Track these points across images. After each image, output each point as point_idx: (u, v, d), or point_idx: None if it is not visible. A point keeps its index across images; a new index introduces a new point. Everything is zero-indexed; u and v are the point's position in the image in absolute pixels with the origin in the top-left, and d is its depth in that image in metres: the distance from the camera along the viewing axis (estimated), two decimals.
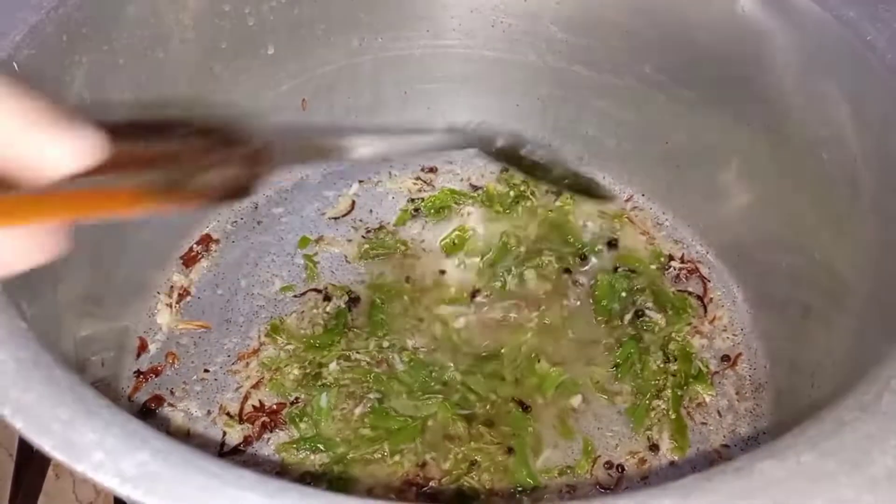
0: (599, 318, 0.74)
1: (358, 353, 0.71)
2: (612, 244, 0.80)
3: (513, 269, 0.77)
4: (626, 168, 0.85)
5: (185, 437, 0.66)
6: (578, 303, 0.75)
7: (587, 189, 0.63)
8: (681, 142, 0.79)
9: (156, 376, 0.69)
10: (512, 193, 0.84)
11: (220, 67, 0.74)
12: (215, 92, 0.75)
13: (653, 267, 0.78)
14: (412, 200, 0.84)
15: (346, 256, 0.79)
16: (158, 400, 0.67)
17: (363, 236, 0.81)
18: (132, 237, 0.72)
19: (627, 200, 0.84)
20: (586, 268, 0.78)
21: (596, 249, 0.79)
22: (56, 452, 0.32)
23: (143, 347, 0.71)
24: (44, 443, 0.32)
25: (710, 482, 0.34)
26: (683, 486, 0.34)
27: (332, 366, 0.70)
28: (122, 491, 0.31)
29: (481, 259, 0.79)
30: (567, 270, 0.77)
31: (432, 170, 0.87)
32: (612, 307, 0.74)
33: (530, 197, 0.84)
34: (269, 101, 0.79)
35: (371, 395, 0.68)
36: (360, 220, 0.82)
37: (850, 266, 0.60)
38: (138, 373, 0.69)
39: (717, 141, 0.75)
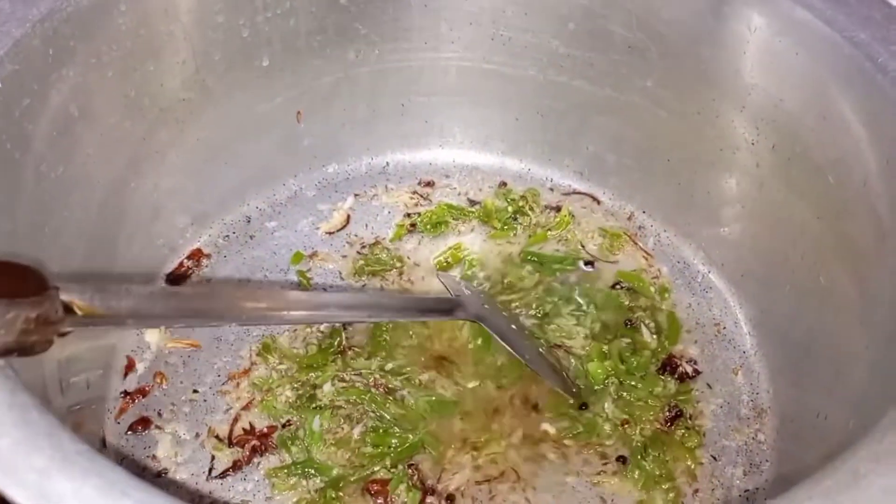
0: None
1: (356, 373, 0.69)
2: (588, 263, 0.78)
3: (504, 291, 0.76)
4: (626, 184, 0.83)
5: (174, 458, 0.64)
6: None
7: (551, 376, 0.68)
8: (683, 159, 0.77)
9: (143, 397, 0.67)
10: (510, 209, 0.82)
11: (213, 80, 0.72)
12: (207, 105, 0.73)
13: (652, 289, 0.77)
14: (409, 215, 0.82)
15: (340, 273, 0.77)
16: (145, 422, 0.65)
17: (358, 252, 0.79)
18: (122, 252, 0.70)
19: (629, 218, 0.82)
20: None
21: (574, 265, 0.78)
22: None
23: (130, 367, 0.69)
24: (17, 494, 0.31)
25: None
26: None
27: (327, 387, 0.68)
28: None
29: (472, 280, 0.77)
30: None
31: (429, 184, 0.85)
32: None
33: (528, 213, 0.82)
34: (262, 114, 0.78)
35: (371, 414, 0.66)
36: (356, 235, 0.80)
37: (861, 292, 0.58)
38: (125, 393, 0.67)
39: (721, 159, 0.74)
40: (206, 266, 0.77)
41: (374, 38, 0.78)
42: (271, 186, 0.83)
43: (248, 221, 0.81)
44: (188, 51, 0.69)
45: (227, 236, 0.79)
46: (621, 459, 0.65)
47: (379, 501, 0.62)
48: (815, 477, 0.35)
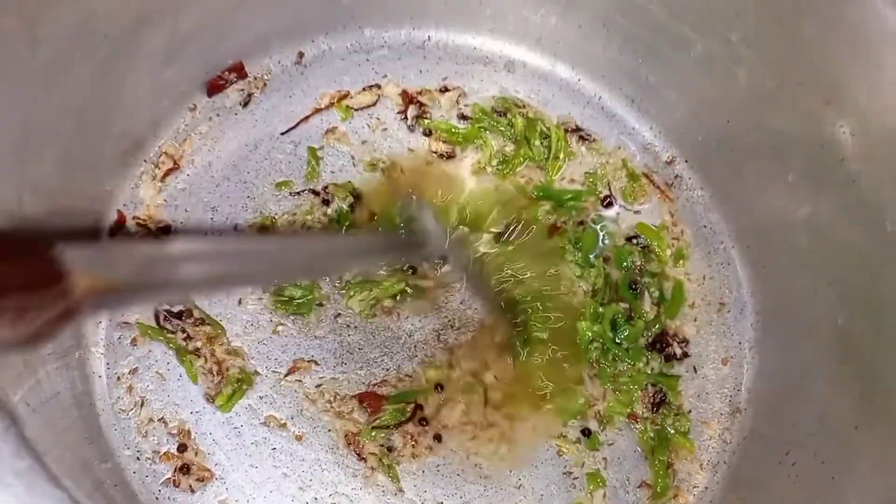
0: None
1: None
2: (606, 203, 0.74)
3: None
4: (677, 127, 0.76)
5: None
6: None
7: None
8: (746, 126, 0.70)
9: None
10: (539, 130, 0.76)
11: None
12: None
13: (668, 252, 0.73)
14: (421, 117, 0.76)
15: (353, 157, 0.73)
16: None
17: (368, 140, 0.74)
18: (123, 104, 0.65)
19: (669, 163, 0.76)
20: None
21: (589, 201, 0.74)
22: None
23: (120, 220, 0.67)
24: None
25: None
26: None
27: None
28: None
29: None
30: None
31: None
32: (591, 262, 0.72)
33: (559, 140, 0.75)
34: None
35: None
36: (378, 118, 0.75)
37: (873, 357, 0.55)
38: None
39: (787, 145, 0.66)
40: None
41: None
42: (299, 42, 0.75)
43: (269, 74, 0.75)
44: None
45: (242, 90, 0.73)
46: (585, 432, 0.66)
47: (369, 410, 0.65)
48: None
